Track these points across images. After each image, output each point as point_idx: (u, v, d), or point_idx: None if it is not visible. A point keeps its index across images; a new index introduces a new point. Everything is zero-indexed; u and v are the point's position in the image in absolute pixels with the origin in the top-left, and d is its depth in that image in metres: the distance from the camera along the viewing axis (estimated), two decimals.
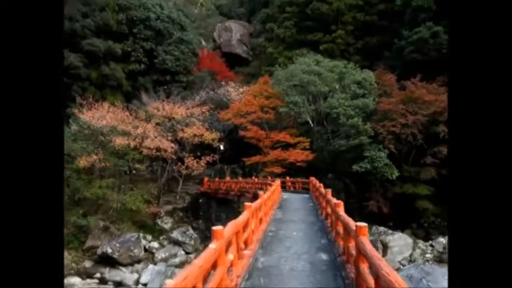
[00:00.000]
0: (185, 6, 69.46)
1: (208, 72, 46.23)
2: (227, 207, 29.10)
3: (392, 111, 27.83)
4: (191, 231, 26.90)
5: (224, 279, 4.89)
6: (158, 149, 27.82)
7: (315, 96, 31.25)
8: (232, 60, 56.14)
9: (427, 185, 27.30)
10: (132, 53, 40.82)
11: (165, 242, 26.30)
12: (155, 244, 25.81)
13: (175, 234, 26.24)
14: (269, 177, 26.61)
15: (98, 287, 21.29)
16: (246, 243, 7.41)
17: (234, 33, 63.31)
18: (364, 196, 28.91)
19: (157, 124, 30.52)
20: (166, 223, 28.27)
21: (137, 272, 22.42)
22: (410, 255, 23.97)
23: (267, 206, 11.85)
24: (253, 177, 27.67)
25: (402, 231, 27.08)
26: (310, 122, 31.94)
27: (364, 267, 4.77)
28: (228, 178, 30.73)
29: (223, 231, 5.06)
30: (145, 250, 25.00)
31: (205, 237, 26.78)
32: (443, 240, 24.33)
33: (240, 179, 28.40)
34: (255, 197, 22.75)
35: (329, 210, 10.62)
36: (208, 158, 30.54)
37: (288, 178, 26.37)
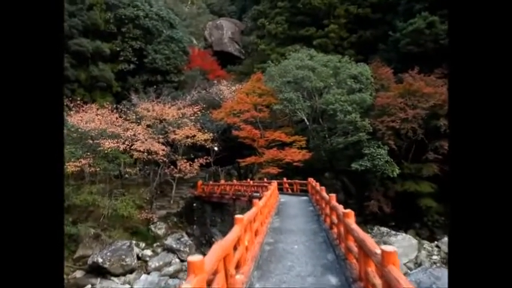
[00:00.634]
0: (175, 5, 68.37)
1: (200, 71, 45.11)
2: (222, 210, 28.12)
3: (391, 105, 26.95)
4: (186, 237, 25.79)
5: None
6: (149, 152, 26.83)
7: (310, 92, 30.30)
8: (224, 59, 55.19)
9: (430, 182, 26.45)
10: (121, 52, 39.75)
11: (159, 250, 25.20)
12: (148, 252, 24.70)
13: (169, 241, 25.14)
14: (265, 179, 25.56)
15: None
16: (238, 265, 6.31)
17: (225, 31, 62.54)
18: (364, 195, 28.15)
19: (148, 126, 29.49)
20: (160, 229, 27.18)
21: (129, 283, 21.32)
22: (416, 257, 23.03)
23: (263, 214, 10.63)
24: (249, 179, 26.59)
25: (405, 231, 26.36)
26: (306, 120, 30.98)
27: None
28: (222, 181, 29.62)
29: (203, 262, 3.90)
30: (138, 258, 23.90)
31: (201, 244, 25.82)
32: None
33: (235, 181, 27.22)
34: (251, 200, 21.83)
35: (334, 218, 9.48)
36: (202, 161, 29.48)
37: (285, 179, 25.22)
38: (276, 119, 33.25)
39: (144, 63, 40.42)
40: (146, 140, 26.87)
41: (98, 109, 28.87)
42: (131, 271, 22.37)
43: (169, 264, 23.64)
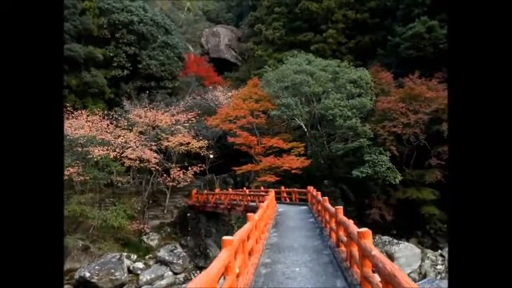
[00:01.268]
0: (172, 12, 67.67)
1: (196, 77, 44.12)
2: (218, 220, 27.04)
3: (393, 110, 26.11)
4: (179, 249, 24.63)
5: None
6: (141, 160, 25.78)
7: (308, 97, 29.39)
8: (221, 66, 54.34)
9: (432, 189, 25.53)
10: (115, 58, 38.60)
11: (151, 262, 24.07)
12: (140, 264, 23.53)
13: (162, 253, 23.99)
14: (262, 187, 24.44)
15: None
16: None
17: (222, 38, 61.89)
18: (364, 202, 27.19)
19: (141, 133, 28.44)
20: (153, 240, 26.04)
21: None
22: (420, 267, 22.02)
23: (258, 229, 9.39)
24: (245, 188, 25.48)
25: (407, 239, 25.57)
26: (304, 127, 30.02)
27: None
28: (217, 189, 28.50)
29: None
30: (130, 271, 22.78)
31: (195, 255, 24.69)
32: None
33: (230, 190, 26.05)
34: (247, 210, 20.72)
35: (342, 234, 8.24)
36: (196, 169, 28.34)
37: (283, 188, 24.02)
38: (273, 125, 32.33)
39: (138, 69, 39.33)
40: (137, 147, 25.82)
41: (88, 115, 27.77)
42: (121, 286, 21.26)
43: (161, 277, 22.54)
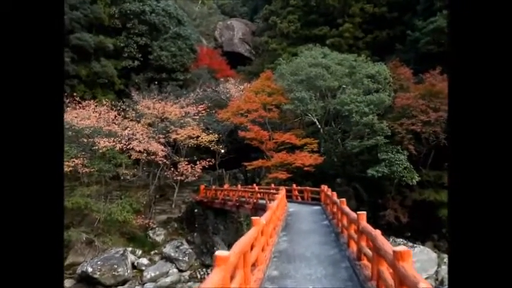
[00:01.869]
0: (185, 4, 66.79)
1: (208, 70, 43.21)
2: (226, 217, 26.16)
3: (412, 107, 24.93)
4: (186, 245, 23.82)
5: None
6: (148, 153, 24.96)
7: (323, 92, 28.27)
8: (234, 60, 53.37)
9: None
10: (125, 48, 37.95)
11: (156, 258, 23.32)
12: (145, 260, 22.78)
13: (167, 249, 23.22)
14: (272, 185, 23.40)
15: None
16: None
17: (236, 31, 60.94)
18: (377, 203, 26.10)
19: (149, 125, 27.66)
20: (159, 235, 25.28)
21: None
22: (436, 272, 20.85)
23: (266, 234, 8.22)
24: (255, 184, 24.48)
25: (422, 243, 24.54)
26: (317, 122, 28.92)
27: None
28: (226, 185, 27.53)
29: None
30: (134, 267, 22.08)
31: (201, 252, 23.87)
32: None
33: (239, 186, 25.03)
34: (256, 208, 19.78)
35: (364, 245, 7.00)
36: (205, 163, 27.40)
37: (294, 186, 22.88)
38: (286, 120, 31.29)
39: (149, 60, 38.60)
40: (144, 139, 25.01)
41: (96, 106, 27.05)
42: (124, 282, 20.57)
43: (166, 274, 21.81)
